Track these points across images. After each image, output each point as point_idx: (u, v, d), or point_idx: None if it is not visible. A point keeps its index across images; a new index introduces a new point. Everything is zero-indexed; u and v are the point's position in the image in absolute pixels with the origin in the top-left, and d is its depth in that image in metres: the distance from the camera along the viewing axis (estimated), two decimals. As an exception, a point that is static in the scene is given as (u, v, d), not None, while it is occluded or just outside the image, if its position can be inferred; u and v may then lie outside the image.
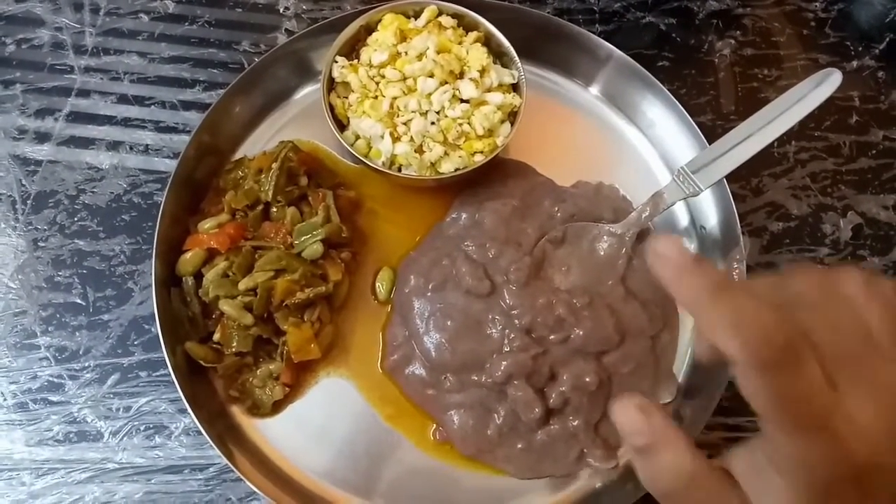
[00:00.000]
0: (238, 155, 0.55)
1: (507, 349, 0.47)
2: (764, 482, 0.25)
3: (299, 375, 0.49)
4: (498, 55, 0.54)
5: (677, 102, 0.55)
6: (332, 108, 0.53)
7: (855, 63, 0.63)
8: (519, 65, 0.53)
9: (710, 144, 0.51)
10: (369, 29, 0.54)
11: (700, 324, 0.25)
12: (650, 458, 0.26)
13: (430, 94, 0.50)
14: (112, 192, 0.56)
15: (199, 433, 0.46)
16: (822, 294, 0.26)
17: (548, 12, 0.60)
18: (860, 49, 0.64)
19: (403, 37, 0.52)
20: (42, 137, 0.57)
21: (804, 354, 0.23)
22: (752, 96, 0.61)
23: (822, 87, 0.49)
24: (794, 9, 0.65)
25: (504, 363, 0.46)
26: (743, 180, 0.58)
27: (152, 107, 0.59)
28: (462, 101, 0.51)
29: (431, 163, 0.51)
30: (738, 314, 0.23)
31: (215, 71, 0.60)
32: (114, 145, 0.57)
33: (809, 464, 0.23)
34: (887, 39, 0.64)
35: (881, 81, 0.63)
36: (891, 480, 0.23)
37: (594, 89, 0.59)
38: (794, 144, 0.60)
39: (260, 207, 0.50)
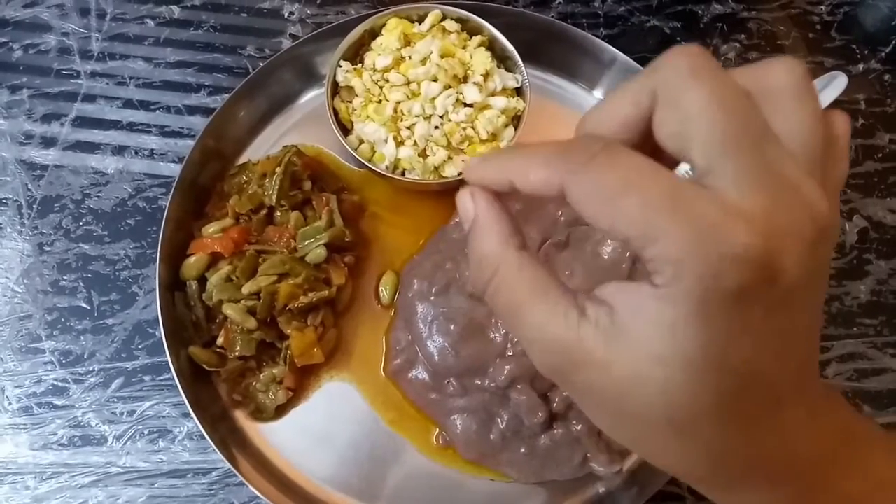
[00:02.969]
0: (242, 159, 0.56)
1: (510, 353, 0.47)
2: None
3: (302, 380, 0.49)
4: (502, 59, 0.54)
5: (682, 106, 0.55)
6: (335, 112, 0.53)
7: (861, 66, 0.63)
8: (523, 69, 0.53)
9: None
10: (373, 33, 0.54)
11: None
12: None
13: (433, 98, 0.50)
14: (117, 197, 0.56)
15: (203, 437, 0.46)
16: None
17: (552, 16, 0.60)
18: (866, 52, 0.64)
19: (407, 41, 0.52)
20: (48, 142, 0.57)
21: None
22: (758, 100, 0.61)
23: (827, 90, 0.49)
24: (800, 12, 0.65)
25: (507, 367, 0.46)
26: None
27: (157, 111, 0.59)
28: (466, 105, 0.51)
29: (435, 167, 0.51)
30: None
31: (220, 75, 0.60)
32: (119, 150, 0.57)
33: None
34: (893, 42, 0.64)
35: (887, 85, 0.62)
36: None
37: (598, 93, 0.59)
38: (800, 148, 0.60)
39: (264, 212, 0.50)
